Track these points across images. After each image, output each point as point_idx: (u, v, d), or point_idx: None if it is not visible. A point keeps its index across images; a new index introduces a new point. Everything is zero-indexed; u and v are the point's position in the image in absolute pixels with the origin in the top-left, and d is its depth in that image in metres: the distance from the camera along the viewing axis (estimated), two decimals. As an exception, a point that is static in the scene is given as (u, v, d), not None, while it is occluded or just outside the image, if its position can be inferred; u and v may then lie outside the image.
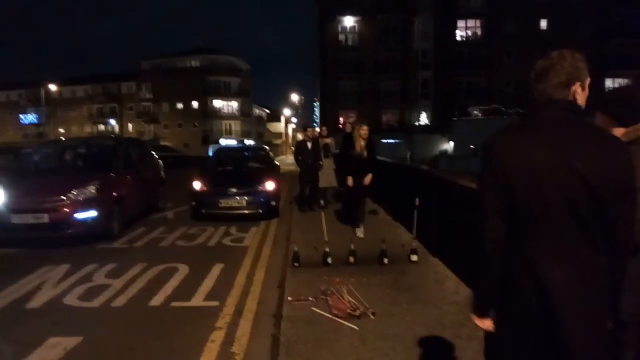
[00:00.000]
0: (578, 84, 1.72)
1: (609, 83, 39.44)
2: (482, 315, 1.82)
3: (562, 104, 1.70)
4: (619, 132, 2.07)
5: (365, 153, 7.03)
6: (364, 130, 7.07)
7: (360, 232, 7.17)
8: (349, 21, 42.09)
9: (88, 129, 66.41)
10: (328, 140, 10.45)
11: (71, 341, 3.84)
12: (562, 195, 1.57)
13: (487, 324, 1.83)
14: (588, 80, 1.77)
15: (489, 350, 1.89)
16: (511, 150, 1.67)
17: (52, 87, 56.53)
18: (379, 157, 11.95)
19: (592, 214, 1.56)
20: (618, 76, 38.06)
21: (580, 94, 1.74)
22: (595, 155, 1.57)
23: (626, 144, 1.75)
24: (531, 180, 1.61)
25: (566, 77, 1.71)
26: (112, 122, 66.17)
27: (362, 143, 7.04)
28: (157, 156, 11.54)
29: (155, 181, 10.67)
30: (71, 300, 4.86)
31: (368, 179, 7.04)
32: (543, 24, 39.81)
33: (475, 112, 39.19)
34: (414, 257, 5.72)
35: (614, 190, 1.55)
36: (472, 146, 33.99)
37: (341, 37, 42.67)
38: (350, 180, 7.09)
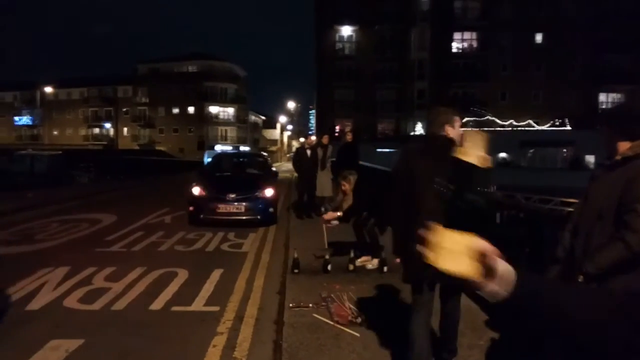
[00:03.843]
0: (447, 125, 3.02)
1: (602, 97, 39.95)
2: (396, 254, 3.13)
3: (440, 139, 3.00)
4: (624, 146, 2.13)
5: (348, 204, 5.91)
6: (344, 186, 5.95)
7: (370, 264, 5.96)
8: (346, 30, 42.42)
9: (83, 132, 66.15)
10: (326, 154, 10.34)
11: (73, 344, 3.83)
12: (434, 183, 2.76)
13: (398, 260, 3.13)
14: (457, 121, 3.08)
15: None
16: (410, 161, 3.02)
17: (48, 89, 56.34)
18: (376, 166, 12.04)
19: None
20: (612, 91, 38.56)
21: (451, 130, 3.02)
22: (453, 166, 2.82)
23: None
24: (419, 179, 2.84)
25: (441, 123, 3.02)
26: (108, 125, 65.97)
27: (346, 201, 5.95)
28: None
29: None
30: (71, 302, 4.85)
31: (329, 215, 5.83)
32: (538, 37, 40.29)
33: (470, 123, 39.48)
34: (413, 266, 5.74)
35: (463, 181, 2.77)
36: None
37: (338, 46, 42.97)
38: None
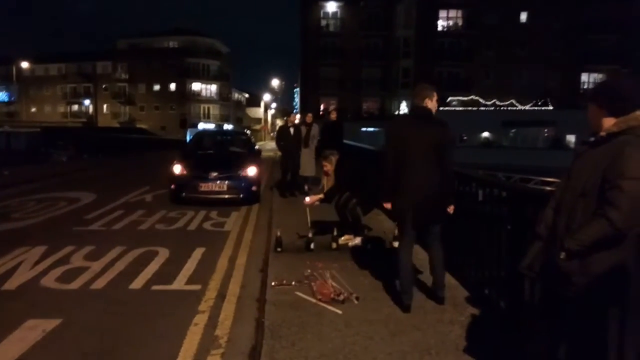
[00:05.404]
0: (427, 99, 3.82)
1: (584, 78, 40.29)
2: (386, 201, 3.93)
3: (421, 109, 3.84)
4: (609, 122, 2.11)
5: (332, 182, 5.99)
6: (326, 166, 6.00)
7: (353, 241, 5.91)
8: (331, 6, 41.81)
9: (62, 108, 64.59)
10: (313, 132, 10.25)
11: (50, 323, 3.76)
12: (420, 148, 3.65)
13: (388, 205, 3.93)
14: (435, 97, 3.86)
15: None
16: (400, 128, 3.91)
17: (24, 65, 54.67)
18: (361, 145, 12.01)
19: (433, 154, 3.65)
20: (594, 71, 38.86)
21: (430, 103, 3.83)
22: (433, 130, 3.72)
23: (446, 123, 3.77)
24: (407, 141, 3.70)
25: (423, 97, 3.82)
26: (87, 102, 64.47)
27: (328, 181, 6.00)
28: None
29: None
30: (49, 282, 4.76)
31: (311, 199, 5.93)
32: (523, 16, 40.23)
33: (455, 102, 39.58)
34: (396, 244, 5.75)
35: (439, 144, 3.67)
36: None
37: (323, 22, 42.37)
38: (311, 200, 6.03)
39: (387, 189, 3.87)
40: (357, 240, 5.92)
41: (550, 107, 37.73)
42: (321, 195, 5.91)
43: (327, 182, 6.00)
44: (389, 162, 3.78)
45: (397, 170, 3.74)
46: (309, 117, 10.63)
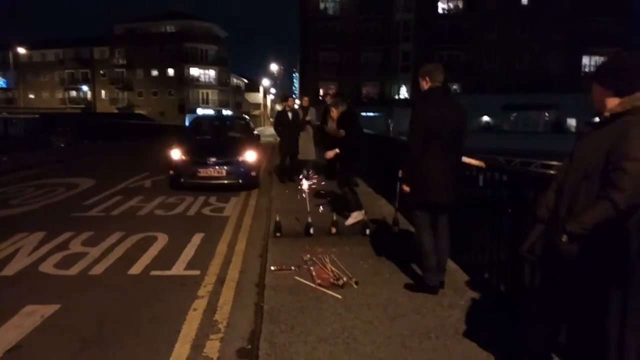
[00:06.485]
0: (444, 78, 3.86)
1: (585, 60, 39.98)
2: (406, 184, 3.97)
3: (443, 90, 3.87)
4: (613, 102, 2.05)
5: (341, 132, 6.22)
6: (333, 112, 6.63)
7: (349, 219, 6.07)
8: (330, -11, 41.29)
9: (60, 95, 64.20)
10: (308, 118, 10.16)
11: (49, 309, 3.75)
12: (445, 131, 3.69)
13: (406, 188, 3.96)
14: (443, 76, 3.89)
15: (405, 201, 4.42)
16: (427, 110, 3.79)
17: (21, 51, 54.17)
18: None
19: (453, 138, 3.74)
20: (595, 54, 38.50)
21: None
22: (455, 114, 3.78)
23: (464, 108, 3.86)
24: (434, 123, 3.69)
25: (442, 77, 3.83)
26: (85, 88, 64.06)
27: (333, 124, 6.35)
28: None
29: None
30: (47, 268, 4.74)
31: (330, 153, 6.19)
32: (524, -1, 39.77)
33: (455, 87, 39.29)
34: (396, 229, 5.75)
35: (460, 128, 3.79)
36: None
37: (322, 5, 41.89)
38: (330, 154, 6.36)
39: (411, 169, 3.86)
40: (356, 215, 6.02)
41: (551, 91, 37.50)
42: (337, 150, 6.14)
43: (330, 125, 6.43)
44: (416, 145, 3.73)
45: (422, 152, 3.72)
46: (305, 101, 10.59)
